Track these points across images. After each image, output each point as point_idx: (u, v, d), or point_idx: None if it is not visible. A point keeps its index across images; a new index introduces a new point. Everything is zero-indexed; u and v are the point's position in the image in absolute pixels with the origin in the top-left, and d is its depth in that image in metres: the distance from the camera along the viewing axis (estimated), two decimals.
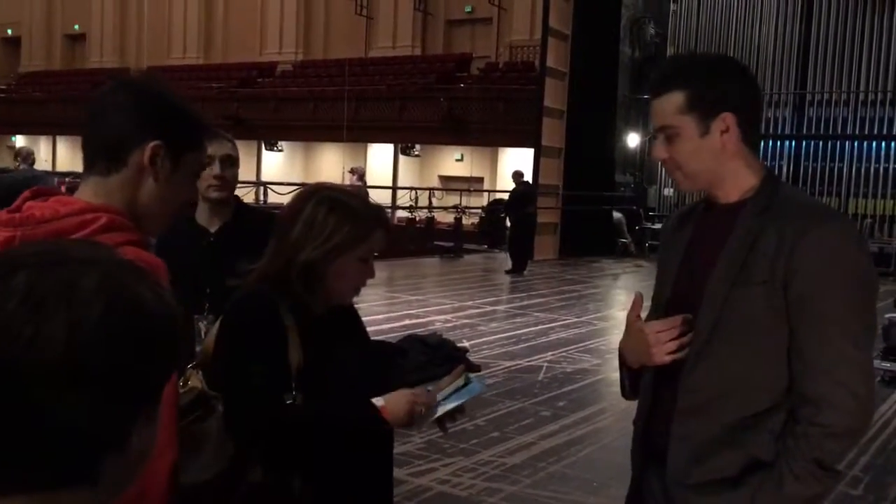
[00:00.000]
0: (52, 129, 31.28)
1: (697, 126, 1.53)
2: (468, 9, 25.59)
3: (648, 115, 1.64)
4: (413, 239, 16.06)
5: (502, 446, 4.61)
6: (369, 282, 1.68)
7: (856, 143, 16.64)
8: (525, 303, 10.17)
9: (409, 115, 23.53)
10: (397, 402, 1.59)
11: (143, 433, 0.69)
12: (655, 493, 1.65)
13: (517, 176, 13.72)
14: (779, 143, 17.30)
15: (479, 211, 18.56)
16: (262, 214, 2.65)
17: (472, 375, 1.74)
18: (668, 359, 1.54)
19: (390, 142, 24.43)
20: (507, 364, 6.63)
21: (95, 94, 1.33)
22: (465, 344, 6.96)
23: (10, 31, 35.81)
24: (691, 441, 1.54)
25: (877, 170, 16.45)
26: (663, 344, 1.54)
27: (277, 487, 1.55)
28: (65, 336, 0.62)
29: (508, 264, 13.11)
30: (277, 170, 25.45)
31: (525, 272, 12.94)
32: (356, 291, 1.68)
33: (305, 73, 27.48)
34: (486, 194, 20.85)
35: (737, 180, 1.57)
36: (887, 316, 7.06)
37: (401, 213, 19.15)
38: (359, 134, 23.83)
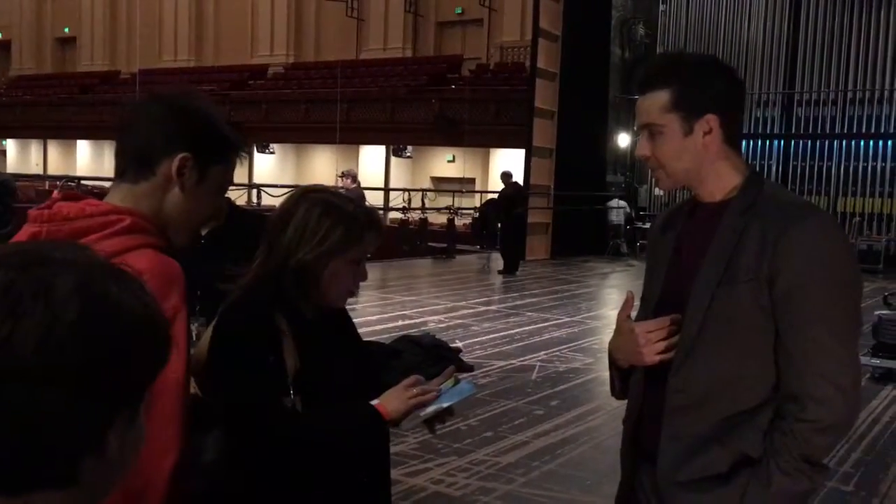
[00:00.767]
0: (42, 132, 31.17)
1: (681, 125, 1.54)
2: (459, 10, 25.62)
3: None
4: (406, 240, 16.06)
5: (496, 445, 4.63)
6: (362, 283, 1.68)
7: (844, 142, 16.70)
8: (518, 303, 10.19)
9: (400, 117, 23.57)
10: (393, 397, 1.60)
11: (124, 436, 0.67)
12: (646, 492, 1.66)
13: (506, 177, 13.50)
14: (767, 142, 17.34)
15: (472, 211, 18.56)
16: (255, 217, 2.67)
17: (462, 377, 1.75)
18: (657, 359, 1.55)
19: (382, 143, 24.43)
20: (501, 364, 6.64)
21: (129, 105, 1.39)
22: (459, 344, 6.98)
23: None
24: (681, 439, 1.54)
25: (865, 168, 16.51)
26: (653, 344, 1.55)
27: (231, 464, 1.55)
28: (39, 335, 0.61)
29: (500, 265, 13.13)
30: (269, 172, 25.40)
31: (517, 272, 12.96)
32: (349, 296, 1.68)
33: (297, 76, 27.47)
34: (478, 195, 20.87)
35: (720, 180, 1.57)
36: (877, 313, 7.10)
37: (393, 215, 19.12)
38: (351, 136, 23.84)
